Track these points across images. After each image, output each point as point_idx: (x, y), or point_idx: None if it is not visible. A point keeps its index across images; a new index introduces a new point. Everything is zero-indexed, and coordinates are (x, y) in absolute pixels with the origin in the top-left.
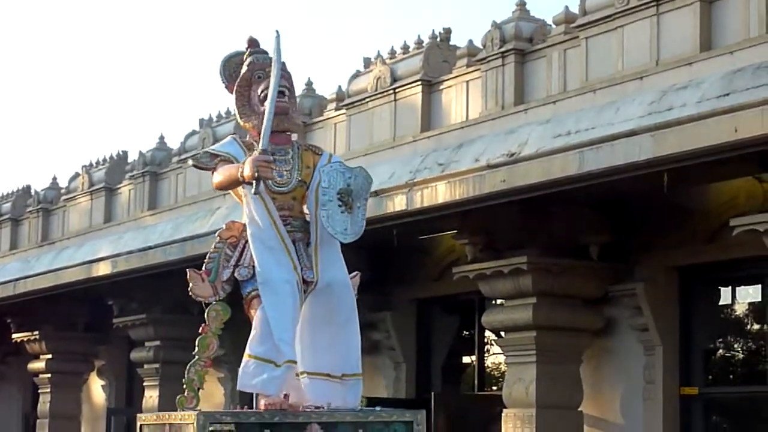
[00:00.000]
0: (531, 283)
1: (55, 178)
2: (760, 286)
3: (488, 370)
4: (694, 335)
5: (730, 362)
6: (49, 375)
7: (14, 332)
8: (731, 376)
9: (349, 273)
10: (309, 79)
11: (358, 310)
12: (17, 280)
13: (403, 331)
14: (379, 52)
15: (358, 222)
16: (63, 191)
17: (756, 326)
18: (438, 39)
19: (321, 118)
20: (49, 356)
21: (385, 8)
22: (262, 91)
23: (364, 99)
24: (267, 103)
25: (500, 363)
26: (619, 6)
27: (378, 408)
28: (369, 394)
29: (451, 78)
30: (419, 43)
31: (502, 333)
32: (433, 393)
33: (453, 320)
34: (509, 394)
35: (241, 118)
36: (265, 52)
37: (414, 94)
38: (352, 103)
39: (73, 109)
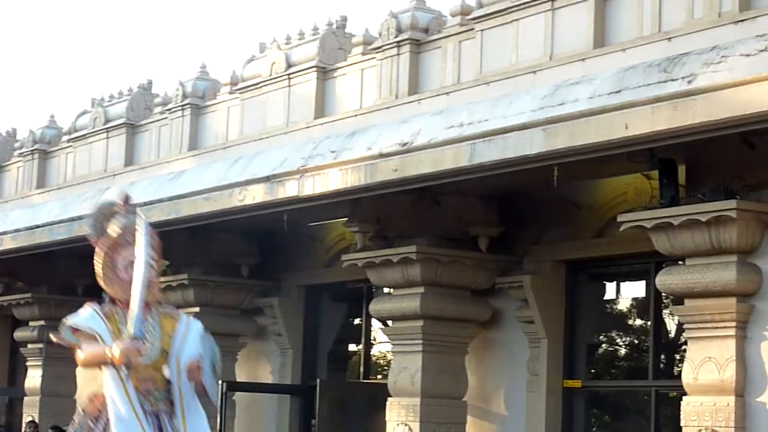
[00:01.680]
0: (419, 272)
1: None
2: (644, 281)
3: (374, 358)
4: (579, 329)
5: (613, 356)
6: None
7: None
8: (613, 370)
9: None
10: (203, 62)
11: (245, 295)
12: None
13: (291, 318)
14: (274, 37)
15: (216, 388)
16: None
17: (639, 321)
18: (334, 26)
19: (214, 102)
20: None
21: None
22: (127, 257)
23: (258, 84)
24: (136, 286)
25: (386, 352)
26: (515, 0)
27: None
28: (255, 379)
29: (346, 66)
30: (315, 29)
31: (389, 322)
32: (318, 380)
33: (341, 308)
34: (394, 382)
35: (103, 280)
36: (135, 212)
37: (308, 81)
38: (246, 87)
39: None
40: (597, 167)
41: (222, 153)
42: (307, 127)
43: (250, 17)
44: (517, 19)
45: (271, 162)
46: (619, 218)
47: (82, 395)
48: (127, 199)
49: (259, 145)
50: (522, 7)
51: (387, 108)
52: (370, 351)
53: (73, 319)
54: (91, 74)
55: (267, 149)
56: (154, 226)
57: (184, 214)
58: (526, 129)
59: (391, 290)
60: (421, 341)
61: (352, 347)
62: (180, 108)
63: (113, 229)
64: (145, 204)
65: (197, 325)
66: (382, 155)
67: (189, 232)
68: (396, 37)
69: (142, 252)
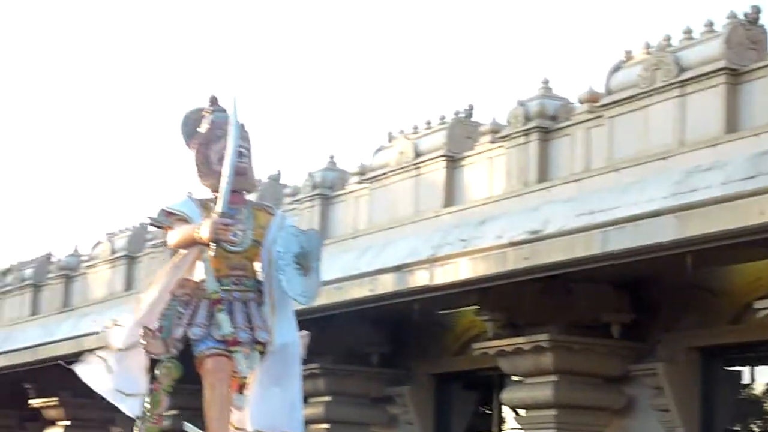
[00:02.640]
0: (552, 360)
1: (76, 246)
2: None
3: None
4: (715, 417)
5: None
6: None
7: (32, 398)
8: None
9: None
10: (331, 153)
11: (376, 384)
12: (37, 346)
13: (422, 406)
14: (401, 127)
15: (314, 283)
16: (84, 258)
17: None
18: (461, 115)
19: (343, 192)
20: (68, 423)
21: (408, 85)
22: (219, 151)
23: (386, 173)
24: (225, 167)
25: None
26: (644, 86)
27: None
28: None
29: (474, 154)
30: (442, 119)
31: (521, 410)
32: None
33: (471, 396)
34: None
35: (199, 176)
36: (225, 110)
37: (437, 170)
38: (375, 177)
39: (95, 178)
40: (731, 253)
41: (352, 243)
42: (436, 216)
43: (377, 108)
44: (646, 105)
45: (401, 251)
46: (757, 304)
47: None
48: (214, 100)
49: (389, 234)
50: (652, 93)
51: (516, 196)
52: None
53: (168, 204)
54: None
55: (396, 239)
56: None
57: (316, 304)
58: (658, 216)
59: (523, 378)
60: (554, 430)
61: None
62: (309, 198)
63: (203, 127)
64: None
65: (290, 221)
66: (512, 244)
67: (320, 322)
68: (524, 125)
69: (231, 139)
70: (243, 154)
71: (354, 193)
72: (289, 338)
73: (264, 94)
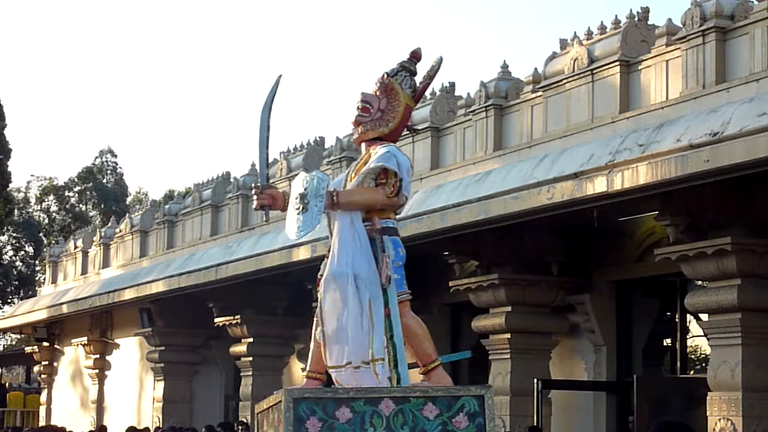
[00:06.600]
0: (735, 264)
1: (253, 165)
2: None
3: (690, 353)
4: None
5: None
6: (250, 358)
7: (216, 316)
8: None
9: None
10: (504, 61)
11: (556, 292)
12: (219, 265)
13: (603, 314)
14: (575, 33)
15: (312, 217)
16: None
17: None
18: (636, 19)
19: (517, 101)
20: (251, 340)
21: None
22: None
23: (560, 80)
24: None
25: (698, 345)
26: None
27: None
28: (568, 376)
29: (650, 58)
30: (616, 23)
31: (705, 315)
32: (635, 376)
33: (653, 302)
34: (714, 377)
35: None
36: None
37: (612, 75)
38: (549, 84)
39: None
40: None
41: (527, 152)
42: (613, 122)
43: (550, 15)
44: None
45: (578, 158)
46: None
47: None
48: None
49: (565, 141)
50: None
51: (694, 98)
52: (685, 345)
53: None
54: None
55: (572, 145)
56: (463, 227)
57: (493, 214)
58: None
59: (706, 283)
60: (740, 334)
61: (666, 342)
62: (483, 109)
63: None
64: (453, 206)
65: (389, 150)
66: (692, 147)
67: (498, 231)
68: (700, 25)
69: (261, 122)
70: (358, 107)
71: (528, 102)
72: (342, 269)
73: (439, 6)
